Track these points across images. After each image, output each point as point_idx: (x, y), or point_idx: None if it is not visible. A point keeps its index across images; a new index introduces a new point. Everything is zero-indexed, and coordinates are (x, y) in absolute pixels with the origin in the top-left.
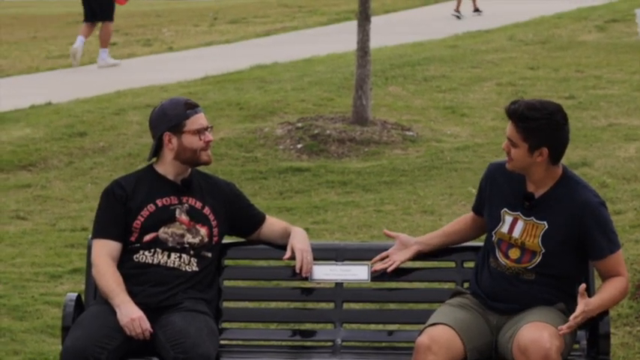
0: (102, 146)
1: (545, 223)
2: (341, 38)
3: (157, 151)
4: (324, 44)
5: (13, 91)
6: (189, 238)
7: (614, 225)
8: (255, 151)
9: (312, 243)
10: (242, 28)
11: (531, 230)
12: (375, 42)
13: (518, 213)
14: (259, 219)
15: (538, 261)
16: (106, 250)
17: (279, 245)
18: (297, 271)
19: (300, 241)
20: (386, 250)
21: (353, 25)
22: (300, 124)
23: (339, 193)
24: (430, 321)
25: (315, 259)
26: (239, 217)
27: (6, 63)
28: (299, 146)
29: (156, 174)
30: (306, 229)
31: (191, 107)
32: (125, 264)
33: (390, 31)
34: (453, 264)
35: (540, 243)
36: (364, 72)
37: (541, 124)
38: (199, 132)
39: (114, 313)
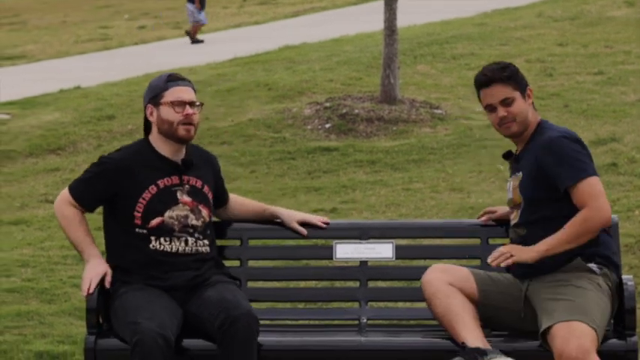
0: (130, 129)
1: (521, 173)
2: (369, 18)
3: (146, 125)
4: (353, 24)
5: (42, 75)
6: (192, 220)
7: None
8: (284, 131)
9: (335, 222)
10: (271, 9)
11: (516, 185)
12: (403, 21)
13: (511, 176)
14: (226, 197)
15: (520, 212)
16: (73, 205)
17: (253, 222)
18: (319, 223)
19: (301, 214)
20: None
21: (381, 4)
22: (328, 104)
23: (367, 173)
24: None
25: (338, 237)
26: (215, 191)
27: (36, 48)
28: (327, 126)
29: (154, 152)
30: (335, 209)
31: (173, 80)
32: (141, 251)
33: (418, 10)
34: (478, 241)
35: (520, 193)
36: (392, 51)
37: (512, 69)
38: (175, 104)
39: (159, 296)
